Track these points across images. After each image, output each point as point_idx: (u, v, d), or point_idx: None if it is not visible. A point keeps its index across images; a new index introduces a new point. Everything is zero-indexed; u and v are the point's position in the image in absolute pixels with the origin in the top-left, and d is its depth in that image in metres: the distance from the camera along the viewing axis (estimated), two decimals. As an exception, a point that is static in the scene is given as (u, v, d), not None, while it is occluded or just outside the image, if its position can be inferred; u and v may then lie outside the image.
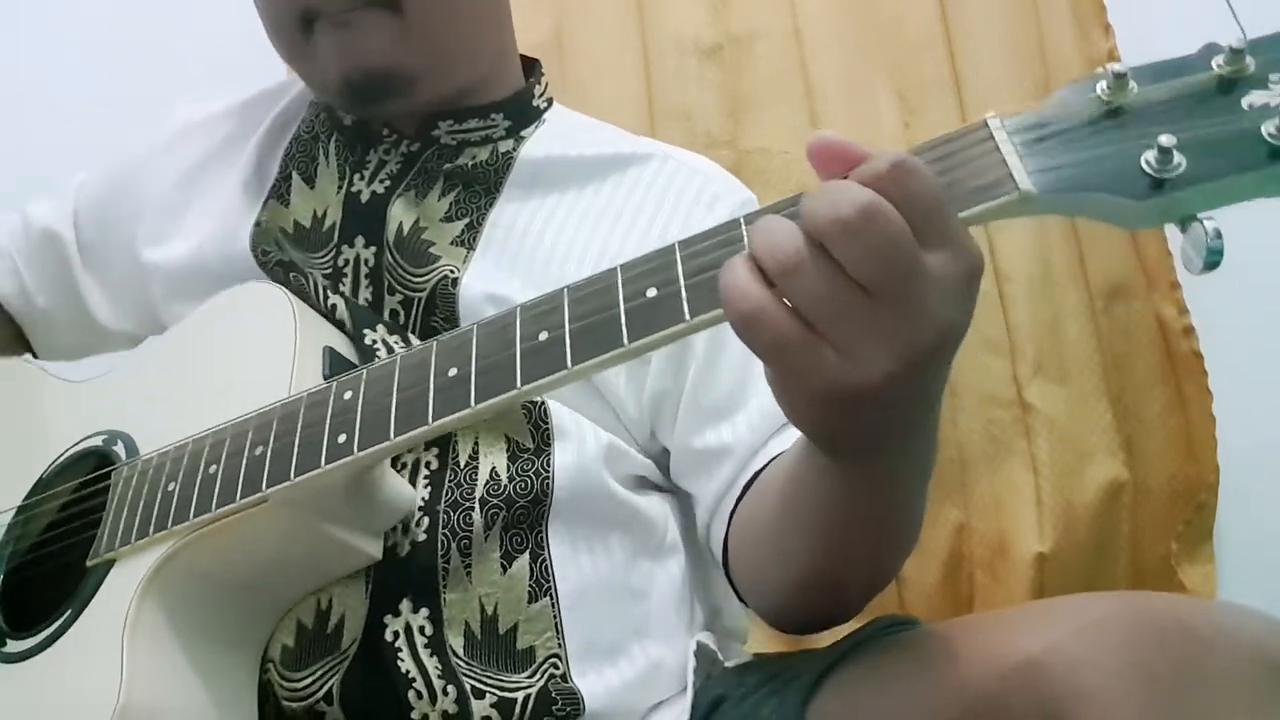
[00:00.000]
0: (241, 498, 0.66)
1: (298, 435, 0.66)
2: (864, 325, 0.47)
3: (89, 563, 0.72)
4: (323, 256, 0.84)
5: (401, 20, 0.80)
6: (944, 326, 0.49)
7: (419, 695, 0.72)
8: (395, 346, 0.79)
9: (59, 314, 1.03)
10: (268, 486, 0.66)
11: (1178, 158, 0.48)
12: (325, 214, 0.86)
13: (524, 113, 0.89)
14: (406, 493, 0.74)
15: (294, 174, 0.89)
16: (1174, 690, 0.49)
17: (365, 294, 0.82)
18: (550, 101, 0.93)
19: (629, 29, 1.50)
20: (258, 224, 0.87)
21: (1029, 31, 1.50)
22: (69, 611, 0.71)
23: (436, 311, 0.81)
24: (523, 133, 0.88)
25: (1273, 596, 1.44)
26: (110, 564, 0.71)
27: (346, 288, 0.82)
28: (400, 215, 0.84)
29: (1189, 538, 1.51)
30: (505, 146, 0.87)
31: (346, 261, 0.83)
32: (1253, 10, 0.55)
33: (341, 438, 0.64)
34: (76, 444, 0.81)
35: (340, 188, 0.86)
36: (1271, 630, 0.53)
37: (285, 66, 0.93)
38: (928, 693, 0.56)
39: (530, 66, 0.95)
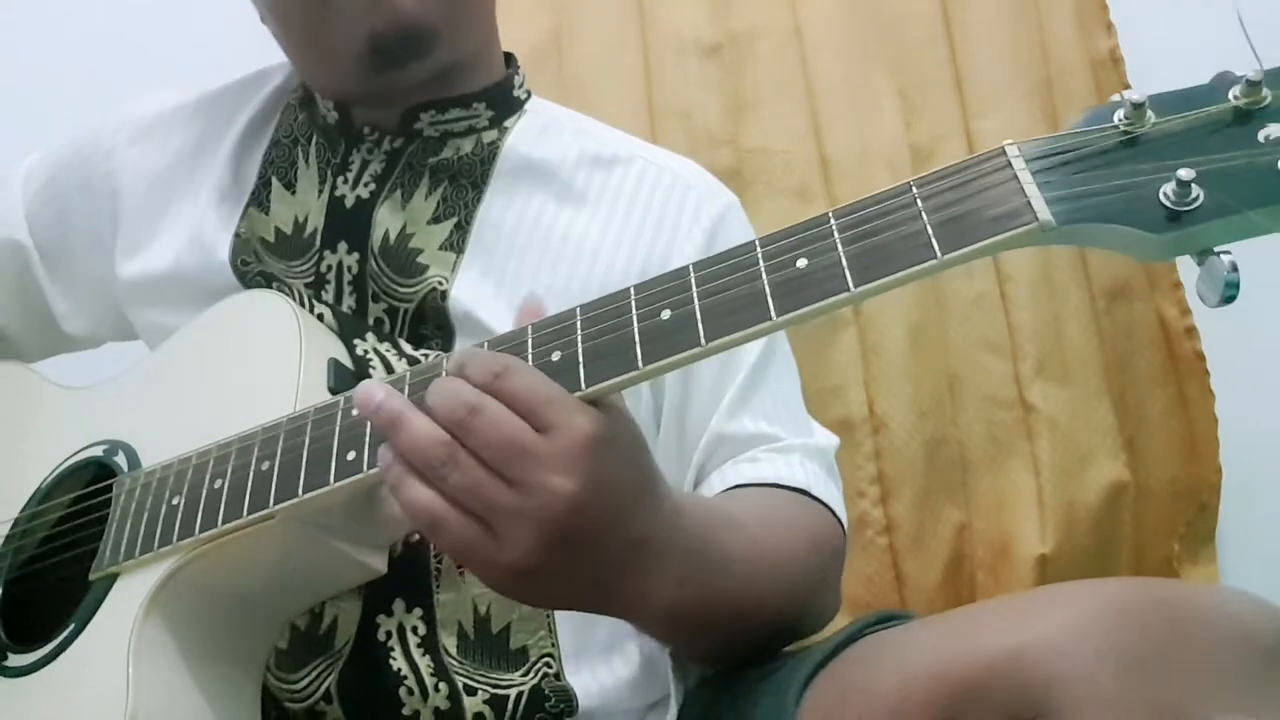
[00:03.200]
0: (248, 514, 0.65)
1: (305, 451, 0.64)
2: (504, 507, 0.54)
3: (91, 576, 0.71)
4: (304, 263, 0.83)
5: None
6: (568, 495, 0.54)
7: (410, 692, 0.72)
8: (387, 355, 0.78)
9: (16, 326, 0.99)
10: (275, 503, 0.64)
11: (1196, 190, 0.48)
12: (307, 220, 0.84)
13: (506, 102, 0.88)
14: None
15: (273, 179, 0.87)
16: (1156, 672, 0.49)
17: (349, 301, 0.81)
18: (529, 94, 0.91)
19: (629, 29, 1.49)
20: (237, 235, 0.85)
21: (1031, 31, 1.49)
22: (72, 626, 0.70)
23: (427, 322, 0.80)
24: (505, 123, 0.87)
25: (1275, 597, 1.43)
26: (113, 578, 0.70)
27: (329, 295, 0.81)
28: (386, 221, 0.82)
29: (1191, 539, 1.50)
30: (489, 137, 0.86)
31: (329, 268, 0.82)
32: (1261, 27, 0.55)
33: (350, 455, 0.62)
34: (76, 453, 0.80)
35: (322, 191, 0.84)
36: (1261, 613, 0.52)
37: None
38: (914, 683, 0.56)
39: (507, 59, 0.93)
